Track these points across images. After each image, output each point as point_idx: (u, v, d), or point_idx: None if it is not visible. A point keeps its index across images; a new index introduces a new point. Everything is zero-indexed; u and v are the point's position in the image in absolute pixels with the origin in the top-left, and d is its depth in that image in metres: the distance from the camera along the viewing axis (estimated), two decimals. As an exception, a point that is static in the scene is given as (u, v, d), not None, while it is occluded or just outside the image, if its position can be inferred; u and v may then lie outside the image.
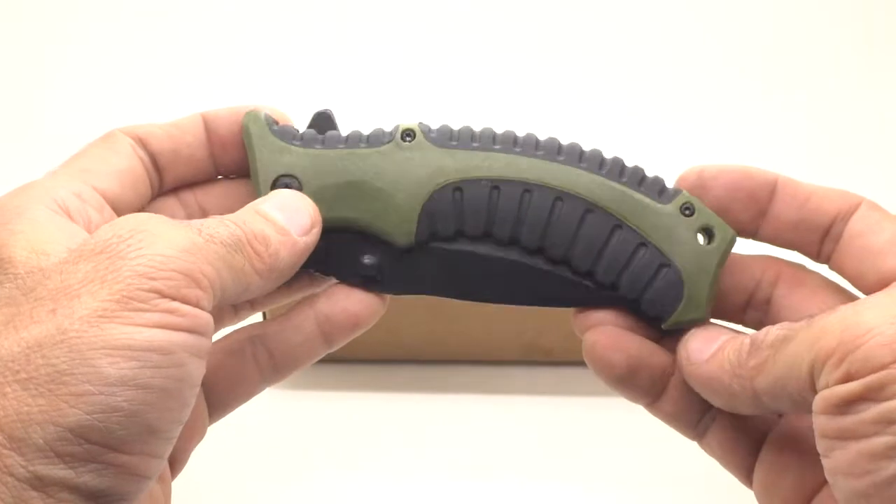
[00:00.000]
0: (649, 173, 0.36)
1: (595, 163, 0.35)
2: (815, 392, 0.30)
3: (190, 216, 0.37)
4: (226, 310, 0.38)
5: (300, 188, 0.35)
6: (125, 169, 0.35)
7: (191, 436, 0.36)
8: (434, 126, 0.36)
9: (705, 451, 0.37)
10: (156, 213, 0.35)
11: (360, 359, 0.58)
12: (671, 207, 0.35)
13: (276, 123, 0.36)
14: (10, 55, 0.78)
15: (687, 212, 0.35)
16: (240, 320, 0.39)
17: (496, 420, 0.56)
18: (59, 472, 0.28)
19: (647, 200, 0.35)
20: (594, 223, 0.35)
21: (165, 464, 0.33)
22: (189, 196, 0.38)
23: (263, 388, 0.37)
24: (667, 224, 0.35)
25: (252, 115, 0.36)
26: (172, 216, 0.36)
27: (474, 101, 0.75)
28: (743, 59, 0.79)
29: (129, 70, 0.77)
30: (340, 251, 0.36)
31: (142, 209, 0.36)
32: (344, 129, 0.37)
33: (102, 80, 0.77)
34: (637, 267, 0.35)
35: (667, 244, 0.35)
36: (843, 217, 0.35)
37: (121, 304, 0.29)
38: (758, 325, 0.37)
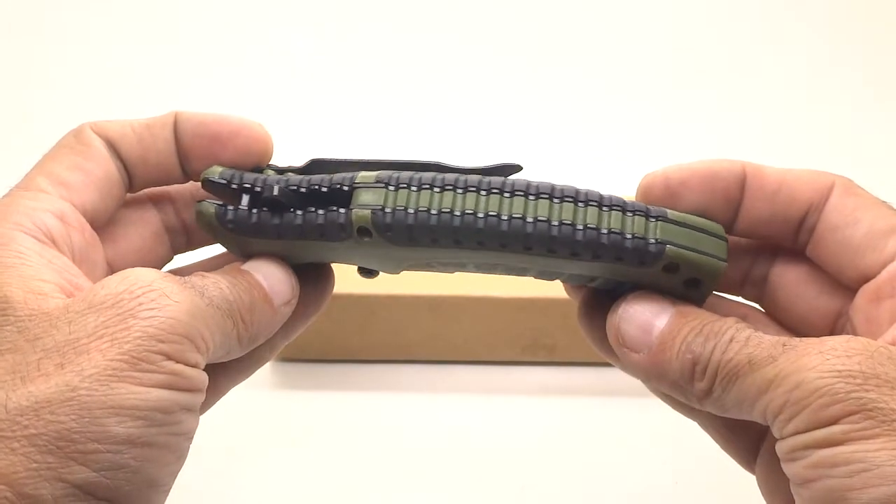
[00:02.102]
0: (627, 230, 0.32)
1: (566, 248, 0.32)
2: (766, 424, 0.31)
3: (165, 219, 0.38)
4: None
5: None
6: (102, 177, 0.35)
7: None
8: (386, 208, 0.33)
9: (706, 431, 0.36)
10: (134, 217, 0.37)
11: (360, 359, 0.58)
12: (654, 270, 0.33)
13: (227, 210, 0.34)
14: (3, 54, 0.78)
15: (670, 271, 0.33)
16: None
17: (496, 420, 0.56)
18: None
19: (628, 268, 0.33)
20: (575, 277, 0.34)
21: None
22: (167, 204, 0.38)
23: (231, 388, 0.38)
24: (653, 280, 0.33)
25: (201, 215, 0.35)
26: (147, 221, 0.37)
27: (469, 112, 0.75)
28: (735, 60, 0.79)
29: (122, 69, 0.77)
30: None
31: (115, 212, 0.36)
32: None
33: (94, 78, 0.76)
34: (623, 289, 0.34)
35: (653, 288, 0.33)
36: (817, 207, 0.34)
37: (130, 364, 0.30)
38: (756, 300, 0.37)
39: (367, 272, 0.36)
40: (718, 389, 0.31)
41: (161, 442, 0.30)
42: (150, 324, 0.30)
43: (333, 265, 0.37)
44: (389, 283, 0.54)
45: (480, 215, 0.32)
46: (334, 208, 0.33)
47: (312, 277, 0.37)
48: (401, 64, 0.79)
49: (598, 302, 0.35)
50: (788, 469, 0.30)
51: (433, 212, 0.32)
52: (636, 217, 0.33)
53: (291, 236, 0.34)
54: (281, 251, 0.35)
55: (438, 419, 0.56)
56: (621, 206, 0.33)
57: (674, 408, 0.36)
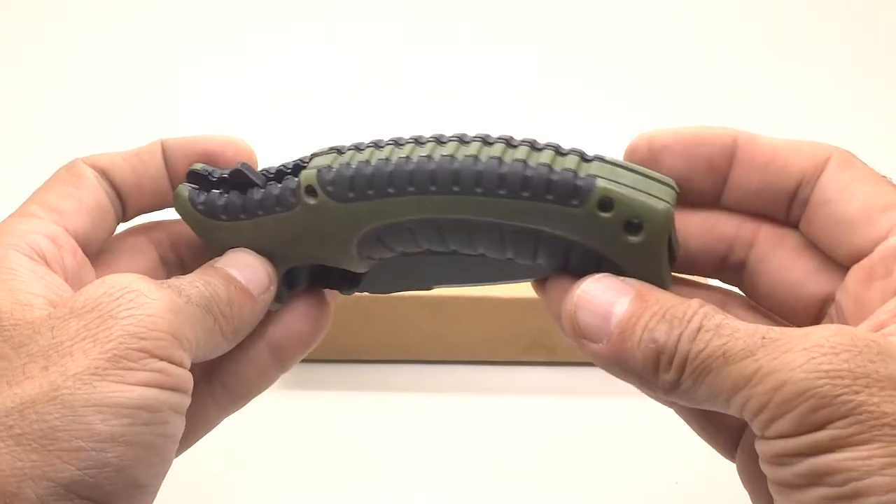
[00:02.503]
0: (556, 166, 0.31)
1: (493, 183, 0.31)
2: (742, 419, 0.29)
3: (161, 252, 0.38)
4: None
5: None
6: (93, 205, 0.36)
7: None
8: (332, 166, 0.34)
9: (682, 419, 0.35)
10: (128, 247, 0.37)
11: (360, 359, 0.58)
12: (588, 209, 0.31)
13: (196, 189, 0.36)
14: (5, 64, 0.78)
15: (605, 208, 0.31)
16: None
17: (496, 420, 0.56)
18: None
19: (562, 209, 0.31)
20: (518, 238, 0.32)
21: None
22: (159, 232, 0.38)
23: (223, 419, 0.38)
24: (589, 226, 0.31)
25: (177, 197, 0.37)
26: (142, 251, 0.38)
27: (462, 96, 0.75)
28: (738, 50, 0.79)
29: (121, 79, 0.77)
30: (317, 268, 0.37)
31: (107, 240, 0.37)
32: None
33: (93, 88, 0.77)
34: (577, 261, 0.32)
35: (598, 244, 0.31)
36: (810, 179, 0.32)
37: (112, 362, 0.30)
38: (737, 285, 0.35)
39: (346, 285, 0.37)
40: (688, 381, 0.29)
41: (146, 442, 0.30)
42: (131, 322, 0.31)
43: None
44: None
45: (413, 159, 0.32)
46: (290, 177, 0.35)
47: (307, 309, 0.38)
48: (391, 59, 0.79)
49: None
50: (772, 472, 0.29)
51: (371, 162, 0.33)
52: (570, 156, 0.32)
53: (253, 210, 0.35)
54: (250, 240, 0.36)
55: (438, 419, 0.56)
56: (555, 148, 0.32)
57: (649, 395, 0.34)
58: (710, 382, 0.29)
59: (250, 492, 0.53)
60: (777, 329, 0.29)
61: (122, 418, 0.29)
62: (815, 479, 0.28)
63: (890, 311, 0.30)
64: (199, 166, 0.36)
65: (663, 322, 0.30)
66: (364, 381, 0.57)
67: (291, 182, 0.35)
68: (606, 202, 0.31)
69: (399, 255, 0.35)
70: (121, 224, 0.38)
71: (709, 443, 0.35)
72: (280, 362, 0.37)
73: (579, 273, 0.32)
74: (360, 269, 0.36)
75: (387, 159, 0.33)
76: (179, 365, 0.31)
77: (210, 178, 0.36)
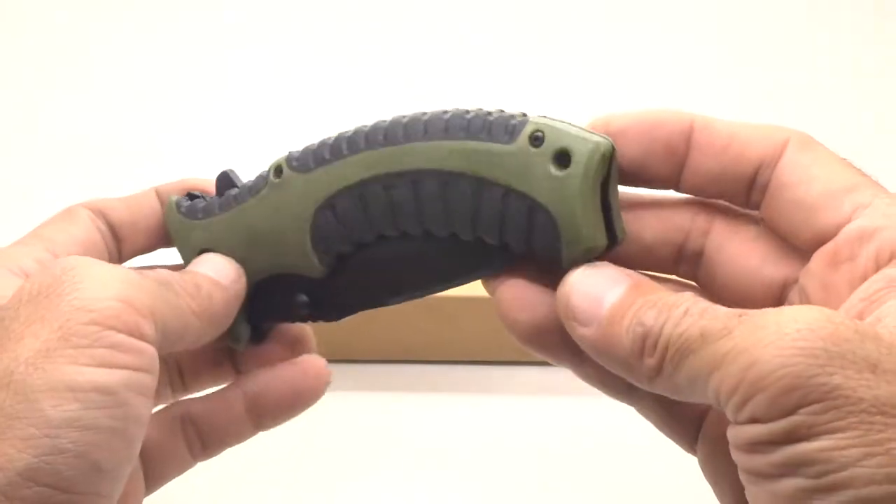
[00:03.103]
0: (495, 113, 0.32)
1: (439, 125, 0.32)
2: (718, 406, 0.28)
3: None
4: (162, 387, 0.38)
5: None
6: (84, 239, 0.36)
7: (127, 502, 0.35)
8: (299, 149, 0.36)
9: (643, 416, 0.35)
10: None
11: (360, 359, 0.58)
12: (519, 144, 0.31)
13: (187, 199, 0.38)
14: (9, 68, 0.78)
15: (536, 142, 0.31)
16: (176, 397, 0.39)
17: (496, 420, 0.56)
18: None
19: (495, 147, 0.31)
20: (456, 192, 0.32)
21: None
22: None
23: (194, 464, 0.38)
24: (519, 164, 0.31)
25: (167, 207, 0.38)
26: None
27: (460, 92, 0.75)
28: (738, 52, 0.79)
29: (126, 88, 0.77)
30: (277, 296, 0.37)
31: None
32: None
33: (99, 96, 0.77)
34: (513, 220, 0.32)
35: (527, 185, 0.31)
36: (769, 163, 0.31)
37: (62, 341, 0.29)
38: (692, 278, 0.34)
39: (309, 316, 0.37)
40: (669, 367, 0.28)
41: (104, 425, 0.29)
42: (77, 296, 0.30)
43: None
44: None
45: (368, 127, 0.34)
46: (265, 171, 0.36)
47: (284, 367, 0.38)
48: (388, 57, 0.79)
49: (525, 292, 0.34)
50: (745, 461, 0.27)
51: (334, 137, 0.35)
52: (501, 112, 0.32)
53: (227, 204, 0.37)
54: (219, 239, 0.37)
55: (438, 419, 0.56)
56: (484, 116, 0.33)
57: (608, 393, 0.34)
58: (689, 365, 0.28)
59: (250, 492, 0.53)
60: (755, 310, 0.28)
61: (74, 402, 0.28)
62: (790, 468, 0.26)
63: (864, 298, 0.29)
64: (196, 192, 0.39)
65: (653, 308, 0.29)
66: (364, 381, 0.57)
67: (264, 171, 0.36)
68: (538, 136, 0.31)
69: (349, 245, 0.35)
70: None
71: (669, 436, 0.34)
72: (255, 420, 0.37)
73: (521, 246, 0.32)
74: (316, 272, 0.36)
75: (349, 132, 0.35)
76: (139, 335, 0.30)
77: (201, 195, 0.38)
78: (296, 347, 0.39)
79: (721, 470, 0.32)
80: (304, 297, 0.37)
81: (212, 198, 0.38)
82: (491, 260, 0.33)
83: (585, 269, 0.31)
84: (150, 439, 0.36)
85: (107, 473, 0.29)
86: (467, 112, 0.32)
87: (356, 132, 0.34)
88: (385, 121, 0.34)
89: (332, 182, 0.34)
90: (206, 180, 0.38)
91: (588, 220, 0.31)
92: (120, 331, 0.30)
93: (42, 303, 0.30)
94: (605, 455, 0.54)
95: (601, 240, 0.31)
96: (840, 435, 0.26)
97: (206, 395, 0.38)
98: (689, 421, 0.34)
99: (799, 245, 0.31)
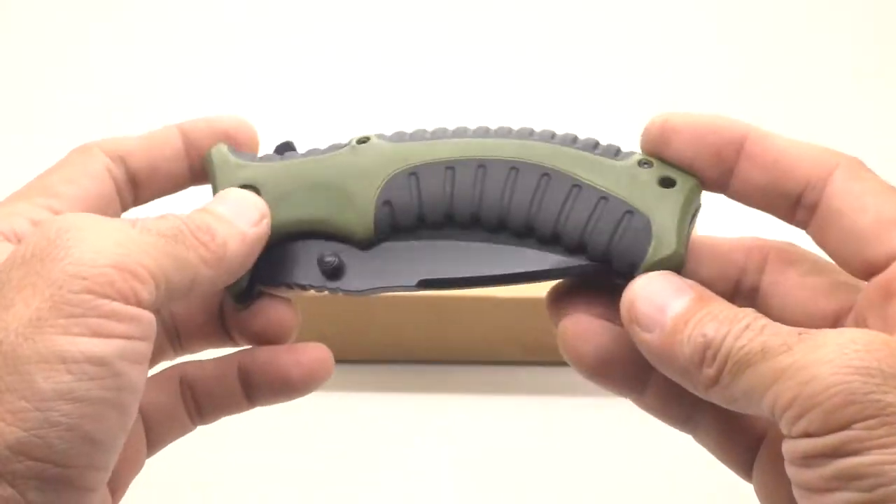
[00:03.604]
0: (601, 145, 0.35)
1: (546, 136, 0.35)
2: (773, 419, 0.29)
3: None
4: (165, 345, 0.37)
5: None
6: (93, 193, 0.35)
7: (129, 467, 0.35)
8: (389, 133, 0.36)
9: (700, 444, 0.35)
10: None
11: (360, 359, 0.58)
12: (627, 163, 0.34)
13: (237, 150, 0.36)
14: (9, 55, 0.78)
15: (644, 165, 0.34)
16: (178, 356, 0.38)
17: (497, 420, 0.56)
18: (4, 491, 0.27)
19: (602, 159, 0.34)
20: (552, 186, 0.34)
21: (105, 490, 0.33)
22: None
23: (193, 428, 0.37)
24: (625, 176, 0.34)
25: (212, 151, 0.36)
26: None
27: (462, 103, 0.75)
28: (743, 55, 0.79)
29: (125, 72, 0.77)
30: (300, 256, 0.35)
31: None
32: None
33: (98, 81, 0.76)
34: (601, 221, 0.33)
35: (627, 194, 0.33)
36: (816, 184, 0.32)
37: (54, 310, 0.28)
38: None
39: (330, 276, 0.35)
40: (727, 377, 0.29)
41: (97, 397, 0.28)
42: (70, 262, 0.28)
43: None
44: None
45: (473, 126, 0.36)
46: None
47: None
48: (386, 70, 0.79)
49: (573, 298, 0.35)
50: (797, 474, 0.29)
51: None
52: (610, 144, 0.35)
53: (293, 157, 0.36)
54: (266, 178, 0.35)
55: (438, 419, 0.56)
56: (596, 140, 0.35)
57: (668, 423, 0.35)
58: (748, 377, 0.29)
59: (250, 492, 0.53)
60: (815, 330, 0.29)
61: (66, 374, 0.27)
62: (841, 482, 0.27)
63: None
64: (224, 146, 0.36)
65: (715, 320, 0.30)
66: (364, 381, 0.57)
67: (340, 144, 0.36)
68: (646, 162, 0.34)
69: (413, 218, 0.35)
70: (134, 210, 0.37)
71: (725, 463, 0.35)
72: (248, 394, 0.36)
73: (584, 270, 0.34)
74: (362, 237, 0.35)
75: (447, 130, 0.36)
76: (135, 302, 0.29)
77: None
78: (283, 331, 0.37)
79: (775, 496, 0.33)
80: (334, 259, 0.35)
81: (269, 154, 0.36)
82: (543, 268, 0.34)
83: (652, 277, 0.32)
84: (151, 401, 0.36)
85: (100, 445, 0.28)
86: (575, 139, 0.35)
87: (460, 126, 0.35)
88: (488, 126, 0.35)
89: (424, 153, 0.35)
90: (237, 118, 0.37)
91: (680, 230, 0.33)
92: (115, 298, 0.28)
93: (35, 267, 0.28)
94: (605, 455, 0.54)
95: (683, 251, 0.33)
96: (892, 450, 0.27)
97: (204, 361, 0.36)
98: (744, 449, 0.35)
99: (850, 272, 0.33)
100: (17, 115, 0.73)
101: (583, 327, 0.34)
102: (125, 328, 0.28)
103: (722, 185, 0.34)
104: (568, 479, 0.53)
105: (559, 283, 0.36)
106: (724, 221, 0.36)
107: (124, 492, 0.35)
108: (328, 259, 0.35)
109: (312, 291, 0.36)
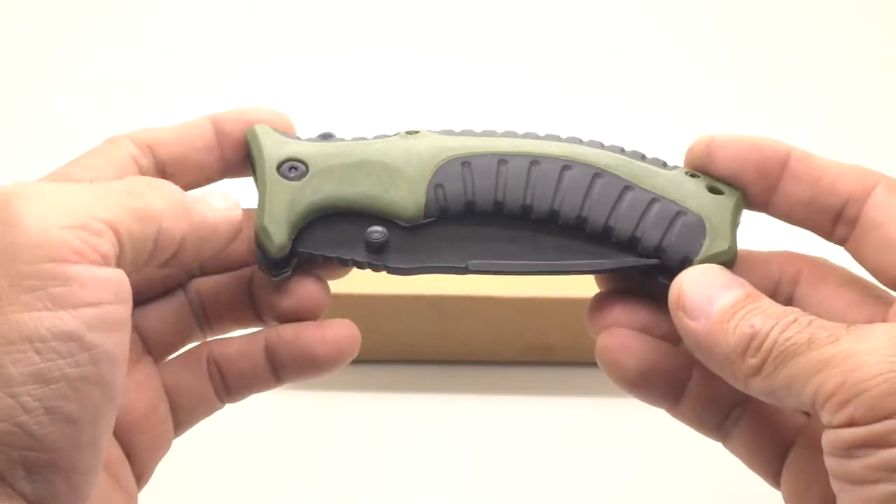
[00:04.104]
0: (650, 156, 0.36)
1: (595, 143, 0.36)
2: (813, 410, 0.29)
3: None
4: (192, 325, 0.37)
5: (306, 172, 0.35)
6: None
7: (155, 449, 0.35)
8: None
9: (730, 452, 0.36)
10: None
11: (360, 359, 0.58)
12: (675, 172, 0.35)
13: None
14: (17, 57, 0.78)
15: (691, 175, 0.35)
16: (206, 338, 0.37)
17: (497, 420, 0.56)
18: None
19: (651, 167, 0.35)
20: (604, 184, 0.35)
21: (129, 476, 0.33)
22: None
23: (221, 406, 0.37)
24: (675, 182, 0.35)
25: (254, 129, 0.36)
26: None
27: (476, 107, 0.75)
28: (747, 53, 0.79)
29: (136, 71, 0.77)
30: (345, 231, 0.35)
31: None
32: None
33: (109, 81, 0.76)
34: (654, 217, 0.34)
35: (678, 197, 0.34)
36: (857, 199, 0.33)
37: (13, 287, 0.26)
38: None
39: (375, 253, 0.35)
40: (770, 367, 0.30)
41: (72, 374, 0.26)
42: (19, 233, 0.26)
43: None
44: (389, 283, 0.54)
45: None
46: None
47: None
48: (402, 72, 0.79)
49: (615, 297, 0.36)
50: (839, 466, 0.29)
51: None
52: (656, 157, 0.36)
53: (343, 140, 0.36)
54: (317, 153, 0.35)
55: (438, 419, 0.56)
56: (642, 153, 0.36)
57: (701, 431, 0.36)
58: (792, 367, 0.29)
59: (250, 492, 0.53)
60: (863, 324, 0.30)
61: (34, 355, 0.26)
62: (886, 473, 0.27)
63: None
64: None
65: (762, 314, 0.31)
66: (364, 381, 0.57)
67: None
68: (693, 174, 0.35)
69: (462, 204, 0.35)
70: None
71: (754, 470, 0.36)
72: (276, 371, 0.36)
73: (634, 266, 0.34)
74: (410, 217, 0.35)
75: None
76: (98, 261, 0.27)
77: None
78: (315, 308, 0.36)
79: (804, 499, 0.33)
80: (381, 235, 0.35)
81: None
82: (590, 260, 0.35)
83: (704, 268, 0.33)
84: (177, 380, 0.35)
85: (84, 424, 0.27)
86: (623, 148, 0.36)
87: (509, 129, 0.36)
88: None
89: (477, 145, 0.35)
90: (274, 110, 0.36)
91: (733, 228, 0.34)
92: (74, 261, 0.26)
93: None
94: (605, 455, 0.54)
95: (736, 248, 0.34)
96: None
97: (231, 339, 0.36)
98: (774, 455, 0.35)
99: (884, 282, 0.33)
100: (18, 114, 0.73)
101: (624, 341, 0.34)
102: (93, 293, 0.27)
103: (764, 201, 0.35)
104: (568, 478, 0.53)
105: (600, 294, 0.36)
106: (758, 240, 0.36)
107: (151, 473, 0.35)
108: (375, 234, 0.35)
109: (354, 268, 0.36)
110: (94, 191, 0.28)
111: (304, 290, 0.35)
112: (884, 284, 0.33)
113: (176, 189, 0.32)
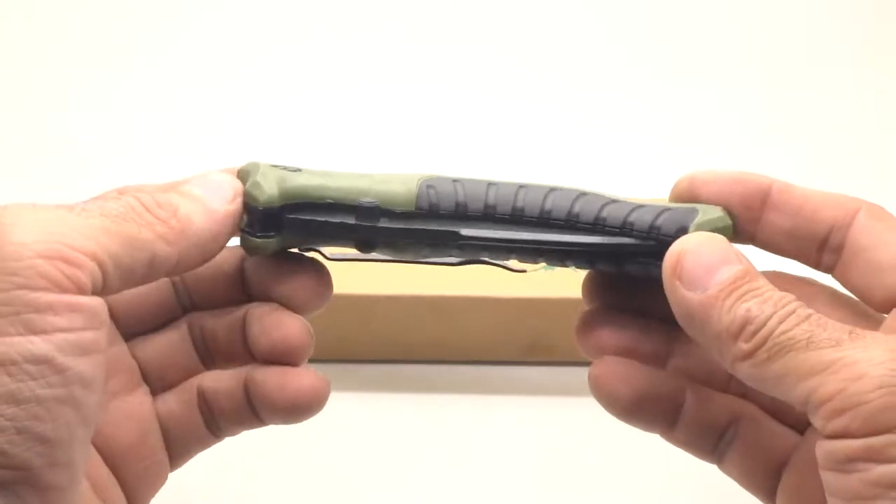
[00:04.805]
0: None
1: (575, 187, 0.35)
2: (802, 409, 0.29)
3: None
4: (176, 310, 0.36)
5: (300, 170, 0.34)
6: None
7: (148, 479, 0.35)
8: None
9: (724, 473, 0.36)
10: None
11: (360, 359, 0.58)
12: (657, 201, 0.35)
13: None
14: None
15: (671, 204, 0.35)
16: (191, 317, 0.37)
17: (497, 420, 0.56)
18: None
19: (632, 197, 0.35)
20: (588, 200, 0.34)
21: (122, 501, 0.33)
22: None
23: (217, 440, 0.37)
24: (656, 204, 0.34)
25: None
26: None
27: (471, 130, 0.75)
28: (739, 64, 0.79)
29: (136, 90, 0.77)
30: (335, 211, 0.34)
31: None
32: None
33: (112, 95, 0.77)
34: (642, 211, 0.34)
35: (662, 205, 0.34)
36: (841, 226, 0.33)
37: None
38: None
39: (366, 225, 0.34)
40: (763, 355, 0.29)
41: (43, 395, 0.27)
42: None
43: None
44: (389, 283, 0.54)
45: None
46: None
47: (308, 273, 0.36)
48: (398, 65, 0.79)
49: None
50: (835, 480, 0.28)
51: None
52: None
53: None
54: (315, 169, 0.35)
55: (439, 419, 0.56)
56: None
57: (695, 454, 0.36)
58: (786, 362, 0.29)
59: (249, 492, 0.53)
60: (866, 331, 0.29)
61: (5, 376, 0.26)
62: (883, 489, 0.27)
63: None
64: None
65: (761, 298, 0.30)
66: (364, 381, 0.57)
67: None
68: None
69: (454, 199, 0.34)
70: None
71: (749, 489, 0.35)
72: (255, 410, 0.36)
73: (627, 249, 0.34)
74: (401, 197, 0.34)
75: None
76: (73, 290, 0.27)
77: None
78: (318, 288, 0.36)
79: None
80: (371, 201, 0.34)
81: None
82: (586, 242, 0.34)
83: (704, 235, 0.32)
84: (170, 412, 0.35)
85: (56, 443, 0.27)
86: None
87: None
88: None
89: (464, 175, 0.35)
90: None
91: (725, 213, 0.34)
92: (48, 289, 0.27)
93: None
94: (605, 455, 0.54)
95: (729, 220, 0.34)
96: None
97: (221, 373, 0.36)
98: (768, 475, 0.35)
99: (872, 305, 0.33)
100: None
101: (616, 369, 0.34)
102: (64, 320, 0.27)
103: (750, 233, 0.34)
104: (568, 478, 0.53)
105: (587, 313, 0.36)
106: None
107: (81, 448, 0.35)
108: (366, 201, 0.34)
109: (345, 257, 0.36)
110: (81, 219, 0.29)
111: (289, 327, 0.35)
112: (873, 308, 0.33)
113: (171, 207, 0.31)
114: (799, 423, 0.34)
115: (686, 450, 0.36)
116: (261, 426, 0.36)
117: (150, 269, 0.30)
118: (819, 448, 0.29)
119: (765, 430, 0.34)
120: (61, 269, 0.27)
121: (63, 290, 0.27)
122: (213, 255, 0.33)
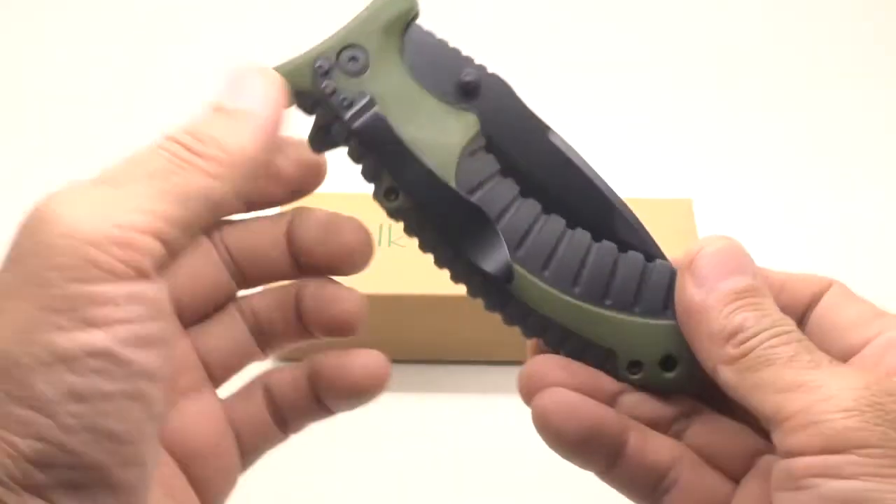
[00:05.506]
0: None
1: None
2: (767, 424, 0.30)
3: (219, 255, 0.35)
4: (226, 280, 0.35)
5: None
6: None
7: (221, 481, 0.35)
8: None
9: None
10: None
11: (360, 359, 0.58)
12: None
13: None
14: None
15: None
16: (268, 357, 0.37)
17: (497, 420, 0.56)
18: None
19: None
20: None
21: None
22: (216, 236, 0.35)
23: (284, 437, 0.36)
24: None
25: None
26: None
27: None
28: (738, 71, 0.79)
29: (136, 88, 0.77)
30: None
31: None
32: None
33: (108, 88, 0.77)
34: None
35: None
36: (815, 300, 0.34)
37: (42, 310, 0.26)
38: None
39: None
40: (746, 363, 0.30)
41: (107, 390, 0.26)
42: (48, 254, 0.26)
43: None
44: (389, 283, 0.54)
45: None
46: None
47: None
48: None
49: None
50: (787, 498, 0.29)
51: None
52: None
53: None
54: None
55: (439, 419, 0.56)
56: None
57: (633, 499, 0.35)
58: (765, 374, 0.30)
59: (249, 492, 0.53)
60: (849, 360, 0.31)
61: (67, 374, 0.25)
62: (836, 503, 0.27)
63: None
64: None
65: (759, 311, 0.31)
66: (364, 381, 0.57)
67: None
68: None
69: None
70: None
71: None
72: (320, 400, 0.36)
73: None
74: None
75: None
76: (130, 276, 0.26)
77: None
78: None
79: None
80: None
81: None
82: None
83: (730, 241, 0.32)
84: (239, 412, 0.35)
85: (126, 440, 0.26)
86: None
87: None
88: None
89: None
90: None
91: None
92: (104, 280, 0.26)
93: (19, 268, 0.26)
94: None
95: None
96: (890, 481, 0.27)
97: (284, 368, 0.36)
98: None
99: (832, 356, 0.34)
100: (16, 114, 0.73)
101: (563, 400, 0.34)
102: (123, 311, 0.26)
103: None
104: (568, 478, 0.53)
105: (533, 360, 0.37)
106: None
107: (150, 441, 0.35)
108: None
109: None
110: (126, 192, 0.27)
111: (345, 299, 0.35)
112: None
113: (213, 139, 0.29)
114: (735, 473, 0.33)
115: (622, 491, 0.35)
116: (328, 416, 0.36)
117: (210, 214, 0.29)
118: (776, 469, 0.29)
119: (706, 472, 0.34)
120: (115, 255, 0.26)
121: (119, 277, 0.26)
122: (270, 167, 0.31)
